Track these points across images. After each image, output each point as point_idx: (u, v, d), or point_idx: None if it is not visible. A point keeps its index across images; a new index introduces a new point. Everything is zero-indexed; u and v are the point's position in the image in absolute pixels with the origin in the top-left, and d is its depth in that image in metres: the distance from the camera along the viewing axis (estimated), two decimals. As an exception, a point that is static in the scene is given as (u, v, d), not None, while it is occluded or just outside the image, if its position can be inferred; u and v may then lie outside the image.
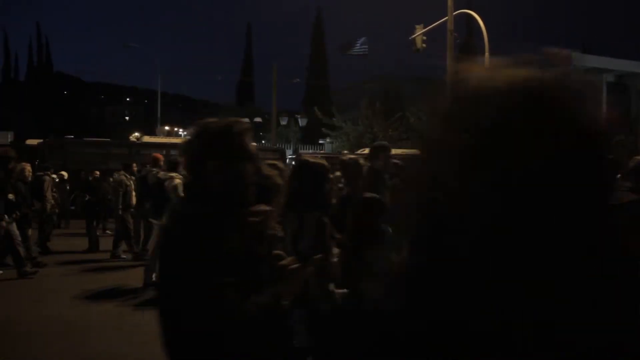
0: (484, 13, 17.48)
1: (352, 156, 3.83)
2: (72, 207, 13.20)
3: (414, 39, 18.40)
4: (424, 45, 18.28)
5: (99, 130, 37.60)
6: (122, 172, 9.54)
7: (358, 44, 28.42)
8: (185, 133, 53.30)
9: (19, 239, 7.44)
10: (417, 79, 47.71)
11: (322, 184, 2.93)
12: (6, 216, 7.08)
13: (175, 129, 48.60)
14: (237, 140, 1.55)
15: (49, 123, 37.93)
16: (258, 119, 36.90)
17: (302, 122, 35.41)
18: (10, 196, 7.24)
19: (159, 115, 37.60)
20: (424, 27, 18.24)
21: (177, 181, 7.00)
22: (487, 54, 16.83)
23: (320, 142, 35.57)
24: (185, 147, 1.60)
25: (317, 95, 41.96)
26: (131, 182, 9.40)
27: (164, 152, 17.82)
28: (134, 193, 9.33)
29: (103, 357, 4.46)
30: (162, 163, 8.81)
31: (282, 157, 19.69)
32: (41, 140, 17.78)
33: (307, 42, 47.56)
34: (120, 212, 9.20)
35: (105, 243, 10.29)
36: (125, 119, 74.22)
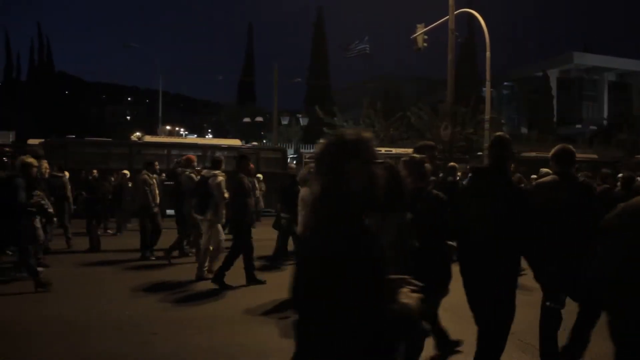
0: (485, 12, 17.44)
1: (418, 155, 3.96)
2: (74, 207, 13.20)
3: (415, 38, 18.38)
4: (425, 44, 18.26)
5: (100, 130, 37.61)
6: (145, 171, 9.43)
7: (359, 43, 28.42)
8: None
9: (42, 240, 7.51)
10: (417, 78, 47.76)
11: (401, 184, 3.00)
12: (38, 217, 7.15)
13: (177, 128, 48.66)
14: (369, 146, 1.76)
15: (50, 123, 37.85)
16: (259, 119, 36.87)
17: (303, 121, 35.40)
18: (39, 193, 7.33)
19: (160, 114, 37.58)
20: (425, 27, 18.22)
21: (220, 178, 7.39)
22: (488, 53, 16.81)
23: (322, 141, 35.51)
24: (322, 153, 1.80)
25: (318, 94, 41.91)
26: (154, 180, 9.38)
27: (165, 151, 17.87)
28: (157, 192, 9.31)
29: (103, 357, 4.45)
30: (194, 164, 9.10)
31: (284, 157, 19.65)
32: (42, 140, 17.78)
33: (308, 42, 47.51)
34: (154, 211, 9.15)
35: (107, 243, 10.30)
36: (127, 119, 74.26)
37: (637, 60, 46.40)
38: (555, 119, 42.46)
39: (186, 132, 54.01)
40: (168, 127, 41.40)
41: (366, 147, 1.75)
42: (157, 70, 67.68)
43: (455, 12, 16.71)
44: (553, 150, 4.09)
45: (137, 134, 30.54)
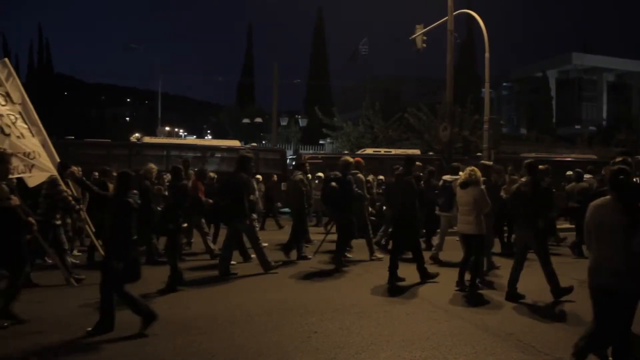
0: (484, 13, 17.44)
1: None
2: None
3: (414, 39, 18.40)
4: (424, 45, 18.29)
5: (100, 131, 37.58)
6: (300, 173, 9.71)
7: (360, 46, 28.44)
8: (184, 133, 53.15)
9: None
10: (416, 79, 47.73)
11: None
12: (254, 215, 7.83)
13: (176, 129, 48.59)
14: None
15: (49, 124, 37.83)
16: (258, 120, 36.86)
17: (302, 122, 35.38)
18: (252, 197, 7.57)
19: (159, 115, 37.58)
20: (424, 27, 18.24)
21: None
22: (487, 54, 16.82)
23: (321, 142, 35.55)
24: None
25: (318, 95, 41.90)
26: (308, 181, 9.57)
27: (165, 152, 17.86)
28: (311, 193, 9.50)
29: (105, 358, 4.46)
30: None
31: (283, 158, 19.67)
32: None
33: (308, 43, 47.49)
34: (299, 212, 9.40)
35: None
36: (126, 120, 74.11)
37: (636, 61, 46.47)
38: (554, 120, 42.52)
39: (185, 133, 53.94)
40: (167, 128, 41.32)
41: None
42: (157, 70, 67.78)
43: (454, 13, 16.72)
44: None
45: (137, 134, 30.56)
